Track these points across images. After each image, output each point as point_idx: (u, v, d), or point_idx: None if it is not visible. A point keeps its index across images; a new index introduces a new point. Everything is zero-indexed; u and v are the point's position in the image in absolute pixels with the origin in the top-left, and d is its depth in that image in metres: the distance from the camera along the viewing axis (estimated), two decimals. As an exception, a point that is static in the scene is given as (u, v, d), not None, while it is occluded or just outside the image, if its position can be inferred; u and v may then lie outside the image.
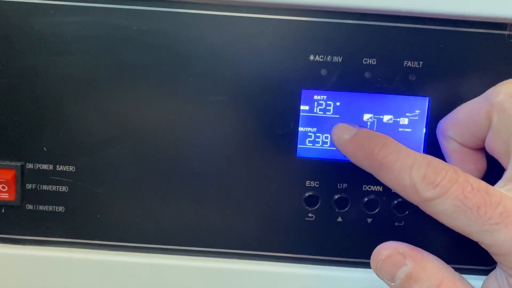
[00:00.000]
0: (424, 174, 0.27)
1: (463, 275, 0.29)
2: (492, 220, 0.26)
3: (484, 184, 0.27)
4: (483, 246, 0.27)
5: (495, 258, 0.27)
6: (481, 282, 0.30)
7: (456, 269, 0.29)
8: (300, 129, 0.33)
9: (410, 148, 0.28)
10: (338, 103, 0.33)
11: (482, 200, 0.26)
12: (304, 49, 0.32)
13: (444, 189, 0.26)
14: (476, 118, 0.30)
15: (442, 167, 0.27)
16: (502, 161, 0.30)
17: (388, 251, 0.29)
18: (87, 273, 0.35)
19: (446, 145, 0.32)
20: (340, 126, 0.31)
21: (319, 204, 0.34)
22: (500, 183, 0.28)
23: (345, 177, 0.34)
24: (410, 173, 0.27)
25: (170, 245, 0.35)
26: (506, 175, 0.28)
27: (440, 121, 0.33)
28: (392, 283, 0.29)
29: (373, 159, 0.29)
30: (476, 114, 0.30)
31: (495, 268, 0.29)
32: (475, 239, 0.27)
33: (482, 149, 0.32)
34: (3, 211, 0.34)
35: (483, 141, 0.31)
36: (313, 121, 0.33)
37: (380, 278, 0.30)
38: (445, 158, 0.32)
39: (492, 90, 0.30)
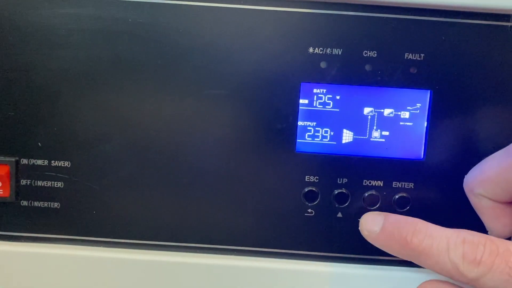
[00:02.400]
0: (462, 254, 0.26)
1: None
2: None
3: None
4: None
5: None
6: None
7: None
8: (300, 123, 0.33)
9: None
10: (338, 97, 0.33)
11: None
12: (303, 41, 0.32)
13: (488, 265, 0.26)
14: (507, 176, 0.29)
15: (478, 241, 0.27)
16: None
17: None
18: (83, 269, 0.34)
19: (477, 203, 0.31)
20: (366, 219, 0.31)
21: (318, 199, 0.34)
22: None
23: (345, 172, 0.33)
24: (449, 256, 0.27)
25: (166, 241, 0.34)
26: None
27: (466, 177, 0.31)
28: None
29: (408, 249, 0.28)
30: (507, 171, 0.29)
31: None
32: None
33: None
34: (-3, 207, 0.34)
35: None
36: (312, 115, 0.33)
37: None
38: (477, 213, 0.32)
39: None
